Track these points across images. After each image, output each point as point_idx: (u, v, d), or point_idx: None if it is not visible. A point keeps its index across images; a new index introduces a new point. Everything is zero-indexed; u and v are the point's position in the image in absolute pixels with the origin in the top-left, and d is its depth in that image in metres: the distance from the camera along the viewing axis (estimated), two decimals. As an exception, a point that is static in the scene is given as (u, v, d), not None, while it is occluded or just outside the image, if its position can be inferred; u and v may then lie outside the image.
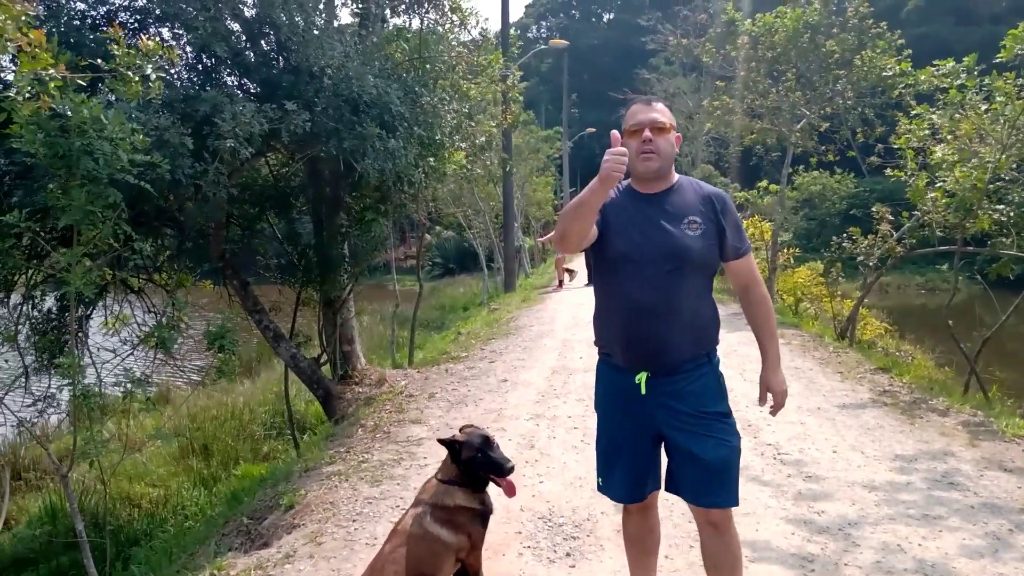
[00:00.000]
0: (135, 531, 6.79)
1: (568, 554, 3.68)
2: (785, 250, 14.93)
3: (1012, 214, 7.70)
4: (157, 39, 4.34)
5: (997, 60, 7.53)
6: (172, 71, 5.37)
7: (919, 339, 12.86)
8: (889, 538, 3.68)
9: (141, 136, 4.01)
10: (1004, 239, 8.06)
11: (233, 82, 6.16)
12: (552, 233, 19.66)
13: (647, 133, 2.48)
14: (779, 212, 14.32)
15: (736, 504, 2.60)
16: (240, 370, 11.93)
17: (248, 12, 6.01)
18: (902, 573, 3.33)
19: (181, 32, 5.66)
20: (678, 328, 2.47)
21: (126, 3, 5.90)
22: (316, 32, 5.83)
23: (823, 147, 13.84)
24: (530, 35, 61.81)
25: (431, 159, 6.61)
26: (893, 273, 18.86)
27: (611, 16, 63.33)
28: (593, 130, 40.24)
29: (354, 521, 4.08)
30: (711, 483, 2.53)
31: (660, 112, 2.52)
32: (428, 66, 6.82)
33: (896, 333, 13.35)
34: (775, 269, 13.54)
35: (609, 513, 4.05)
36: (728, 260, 2.60)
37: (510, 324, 11.74)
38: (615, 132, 2.28)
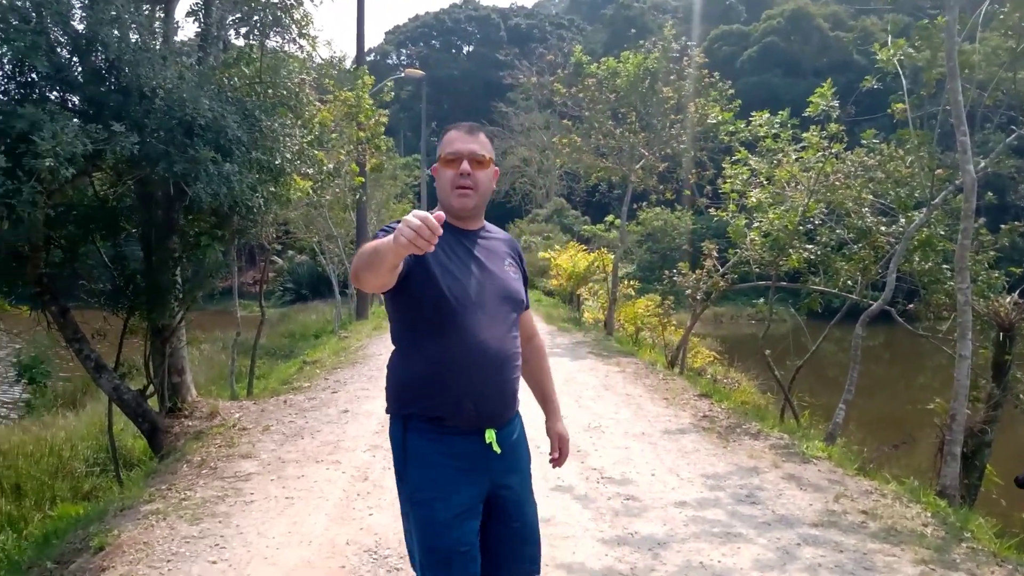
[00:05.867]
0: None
1: (390, 585, 3.71)
2: (625, 281, 15.74)
3: (819, 253, 8.54)
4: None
5: (806, 114, 8.37)
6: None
7: (747, 367, 13.76)
8: (692, 555, 3.96)
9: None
10: (814, 276, 8.92)
11: (56, 97, 5.83)
12: None
13: (465, 165, 2.19)
14: (619, 246, 15.17)
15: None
16: (61, 402, 11.09)
17: (77, 26, 5.73)
18: (700, 588, 3.60)
19: (-2, 43, 5.31)
20: (517, 375, 2.31)
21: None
22: (149, 52, 5.62)
23: (661, 186, 14.72)
24: (390, 62, 61.59)
25: (271, 185, 6.50)
26: (726, 304, 20.25)
27: (471, 48, 64.28)
28: (452, 159, 40.93)
29: (168, 562, 3.91)
30: (534, 551, 2.37)
31: (481, 144, 2.24)
32: (271, 91, 6.73)
33: (726, 360, 14.28)
34: (615, 300, 14.22)
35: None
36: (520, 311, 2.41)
37: (358, 352, 11.62)
38: (440, 214, 1.77)
